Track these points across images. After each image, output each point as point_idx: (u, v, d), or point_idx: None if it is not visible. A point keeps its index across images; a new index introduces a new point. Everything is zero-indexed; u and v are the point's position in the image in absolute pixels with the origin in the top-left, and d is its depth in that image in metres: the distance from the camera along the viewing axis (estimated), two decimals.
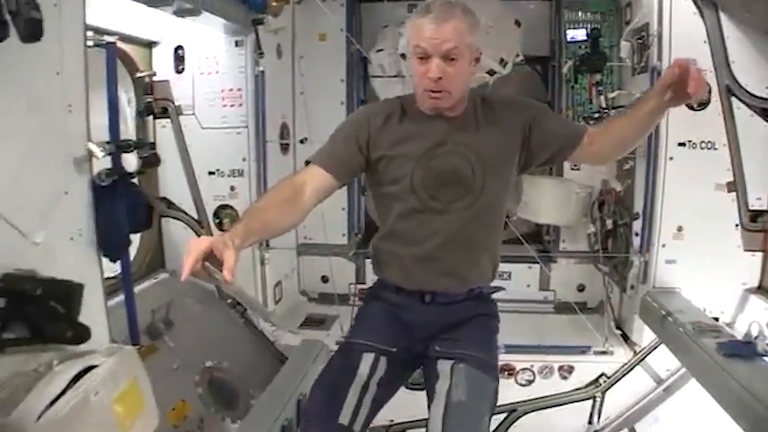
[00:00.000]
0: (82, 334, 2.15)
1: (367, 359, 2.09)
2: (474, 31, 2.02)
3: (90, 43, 2.48)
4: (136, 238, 3.60)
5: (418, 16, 1.98)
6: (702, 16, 3.44)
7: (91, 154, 2.32)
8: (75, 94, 2.33)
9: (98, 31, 2.73)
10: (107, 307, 2.50)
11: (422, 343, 2.19)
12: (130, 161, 2.61)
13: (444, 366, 2.09)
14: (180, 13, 3.32)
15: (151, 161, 3.31)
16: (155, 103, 3.90)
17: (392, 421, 3.93)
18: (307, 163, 2.13)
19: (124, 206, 2.46)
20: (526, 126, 2.11)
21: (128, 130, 3.72)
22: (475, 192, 2.08)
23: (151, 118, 3.92)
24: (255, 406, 3.34)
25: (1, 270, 1.91)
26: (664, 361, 3.70)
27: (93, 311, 2.29)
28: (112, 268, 2.82)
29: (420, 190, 2.08)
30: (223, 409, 3.42)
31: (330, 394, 2.05)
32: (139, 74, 3.78)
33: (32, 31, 1.84)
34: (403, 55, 4.05)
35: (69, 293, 2.05)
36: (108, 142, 2.49)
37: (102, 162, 2.49)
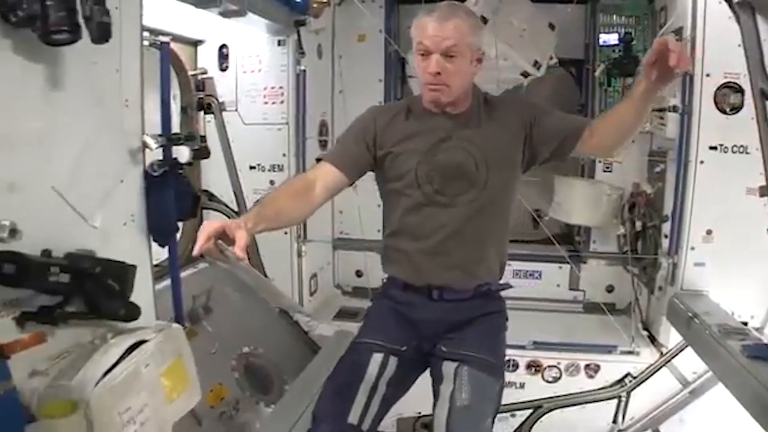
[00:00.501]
0: (133, 312, 2.34)
1: (377, 359, 2.18)
2: (476, 32, 2.15)
3: (146, 43, 2.70)
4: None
5: (423, 15, 2.12)
6: (738, 19, 3.48)
7: (145, 146, 2.54)
8: (131, 90, 2.54)
9: (151, 31, 2.95)
10: (154, 290, 2.72)
11: (430, 341, 2.26)
12: (183, 153, 2.83)
13: (448, 368, 2.16)
14: (226, 14, 3.51)
15: (202, 153, 3.54)
16: (200, 100, 4.11)
17: (420, 413, 4.06)
18: (318, 160, 2.30)
19: (173, 195, 2.66)
20: (527, 123, 2.21)
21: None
22: (479, 186, 2.17)
23: (196, 113, 4.12)
24: (288, 392, 3.56)
25: (65, 249, 2.13)
26: (691, 363, 3.74)
27: (141, 293, 2.47)
28: (158, 256, 3.03)
29: (425, 185, 2.18)
30: (258, 393, 3.63)
31: (339, 393, 2.14)
32: (192, 73, 4.00)
33: (103, 34, 2.05)
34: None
35: (123, 273, 2.25)
36: (160, 135, 2.70)
37: (154, 154, 2.72)
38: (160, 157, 2.70)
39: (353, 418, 2.06)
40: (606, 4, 4.50)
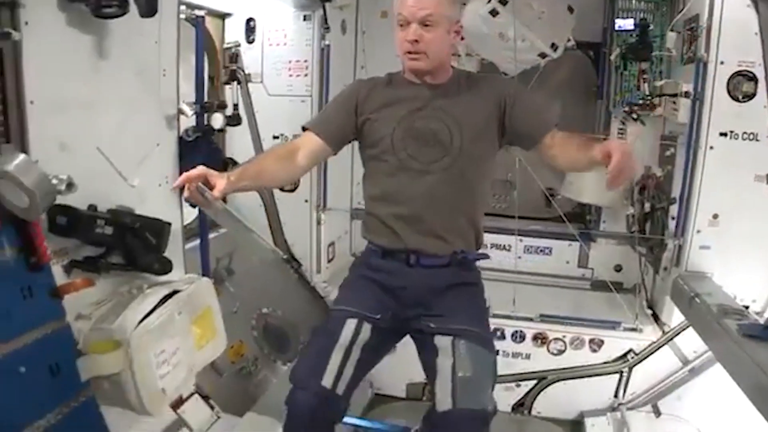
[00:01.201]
0: (166, 267, 2.60)
1: (350, 324, 2.27)
2: (453, 5, 2.32)
3: (182, 16, 2.94)
4: None
5: None
6: (756, 7, 3.52)
7: (180, 113, 2.78)
8: (168, 61, 2.79)
9: (186, 5, 3.17)
10: (184, 248, 2.98)
11: (409, 310, 2.35)
12: (216, 120, 3.07)
13: (443, 342, 2.23)
14: None
15: (234, 121, 3.78)
16: (226, 70, 4.30)
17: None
18: (304, 129, 2.46)
19: (204, 160, 2.90)
20: (503, 102, 2.33)
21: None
22: (453, 154, 2.29)
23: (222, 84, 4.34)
24: None
25: (107, 206, 2.39)
26: (692, 342, 3.87)
27: (173, 249, 2.73)
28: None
29: (400, 150, 2.31)
30: (275, 352, 3.90)
31: (314, 358, 2.25)
32: (226, 45, 4.23)
33: (150, 9, 2.29)
34: None
35: (159, 229, 2.50)
36: (194, 103, 2.94)
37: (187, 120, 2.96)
38: (194, 124, 2.94)
39: (327, 381, 2.16)
40: None
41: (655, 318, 4.23)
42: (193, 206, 2.59)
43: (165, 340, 2.35)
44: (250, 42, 4.34)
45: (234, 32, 4.34)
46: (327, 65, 4.29)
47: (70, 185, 2.03)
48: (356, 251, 5.18)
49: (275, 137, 4.31)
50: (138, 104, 2.62)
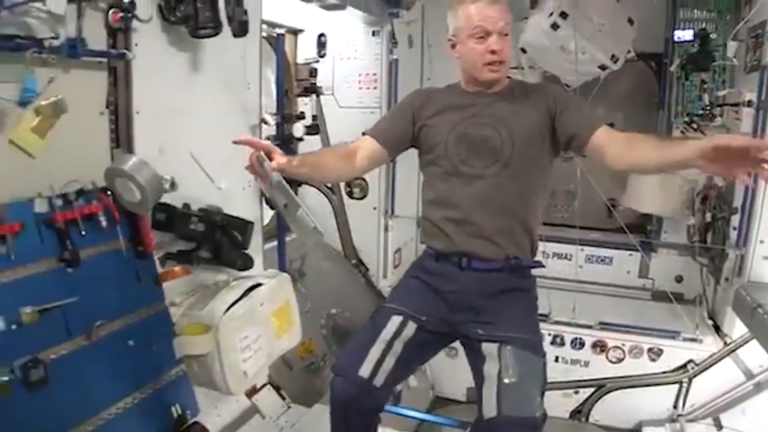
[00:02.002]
0: (248, 263, 2.90)
1: (395, 320, 2.29)
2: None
3: (264, 34, 3.26)
4: None
5: (468, 3, 2.30)
6: None
7: (263, 122, 3.09)
8: (252, 75, 3.12)
9: (265, 23, 3.49)
10: (263, 247, 3.28)
11: (459, 314, 2.31)
12: (298, 129, 3.37)
13: (490, 348, 2.19)
14: (329, 7, 4.05)
15: (314, 130, 4.10)
16: (299, 83, 4.59)
17: None
18: (363, 134, 2.51)
19: None
20: (552, 107, 2.33)
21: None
22: (504, 159, 2.28)
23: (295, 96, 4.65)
24: None
25: (199, 205, 2.70)
26: (758, 356, 3.82)
27: (253, 248, 3.03)
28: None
29: (453, 156, 2.32)
30: None
31: (355, 349, 2.29)
32: (304, 60, 4.56)
33: (242, 30, 2.61)
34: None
35: (244, 228, 2.80)
36: (276, 114, 3.25)
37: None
38: (273, 133, 3.25)
39: (364, 371, 2.18)
40: None
41: (717, 329, 4.23)
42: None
43: (248, 327, 2.64)
44: (322, 56, 4.64)
45: (306, 47, 4.65)
46: (395, 78, 4.57)
47: (173, 184, 2.34)
48: None
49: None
50: (225, 114, 2.94)
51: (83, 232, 2.15)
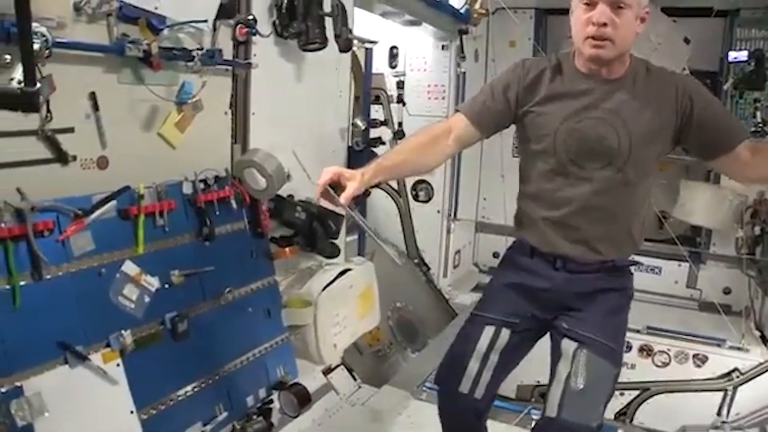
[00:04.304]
0: (335, 251, 3.33)
1: (488, 332, 2.28)
2: None
3: (354, 48, 3.71)
4: None
5: None
6: None
7: (355, 127, 3.54)
8: (343, 83, 3.57)
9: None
10: (345, 240, 3.72)
11: (550, 311, 2.29)
12: (386, 133, 3.82)
13: (568, 346, 2.18)
14: (405, 23, 4.51)
15: (399, 135, 4.60)
16: (371, 92, 5.05)
17: (538, 381, 4.51)
18: (456, 111, 2.34)
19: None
20: (684, 104, 2.10)
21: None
22: (619, 164, 2.09)
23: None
24: (430, 345, 4.50)
25: (298, 197, 3.14)
26: None
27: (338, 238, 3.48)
28: None
29: (561, 153, 2.13)
30: (406, 341, 4.58)
31: (453, 363, 2.34)
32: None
33: (347, 46, 3.07)
34: None
35: (335, 220, 3.23)
36: (363, 119, 3.71)
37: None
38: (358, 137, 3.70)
39: (464, 387, 2.26)
40: (745, 18, 4.92)
41: (764, 340, 4.46)
42: None
43: (340, 306, 3.09)
44: (393, 67, 5.11)
45: (379, 58, 5.07)
46: (463, 90, 5.00)
47: (289, 176, 2.78)
48: (478, 261, 5.82)
49: None
50: (321, 118, 3.40)
51: (217, 212, 2.61)
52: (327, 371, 3.62)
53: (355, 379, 3.80)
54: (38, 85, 1.73)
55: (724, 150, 2.13)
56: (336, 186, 2.02)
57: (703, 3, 5.04)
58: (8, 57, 1.83)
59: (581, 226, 2.17)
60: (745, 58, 4.73)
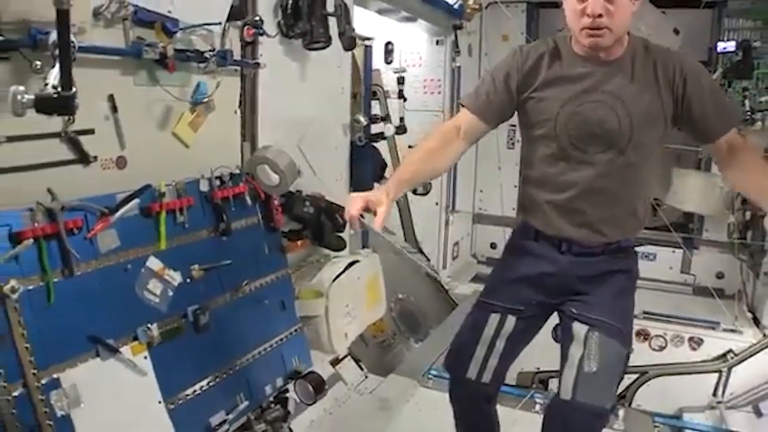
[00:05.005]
0: (341, 245, 3.42)
1: (494, 319, 2.34)
2: None
3: None
4: None
5: None
6: None
7: (357, 123, 3.63)
8: (345, 81, 3.67)
9: None
10: (350, 233, 3.82)
11: (556, 297, 2.32)
12: (389, 129, 3.93)
13: (579, 329, 2.21)
14: (402, 20, 4.61)
15: (401, 131, 4.68)
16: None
17: (538, 368, 4.67)
18: (461, 105, 2.38)
19: (369, 162, 3.76)
20: (678, 82, 2.11)
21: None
22: (620, 147, 2.11)
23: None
24: (432, 334, 4.62)
25: (307, 192, 3.24)
26: None
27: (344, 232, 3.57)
28: None
29: (562, 137, 2.15)
30: (409, 331, 4.70)
31: (459, 350, 2.43)
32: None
33: (351, 44, 3.17)
34: None
35: (343, 214, 3.33)
36: (365, 115, 3.80)
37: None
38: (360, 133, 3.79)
39: (471, 373, 2.34)
40: (733, 8, 5.06)
41: (756, 322, 4.59)
42: None
43: (350, 296, 3.20)
44: (388, 63, 5.21)
45: (374, 54, 5.07)
46: (458, 84, 5.13)
47: (300, 171, 2.88)
48: (476, 252, 5.94)
49: (410, 147, 5.02)
50: (324, 115, 3.49)
51: (233, 208, 2.70)
52: (335, 362, 3.73)
53: (362, 369, 3.91)
54: (74, 89, 1.81)
55: (703, 140, 2.23)
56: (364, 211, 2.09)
57: None
58: (39, 63, 1.92)
59: (585, 210, 2.20)
60: (733, 49, 4.86)
